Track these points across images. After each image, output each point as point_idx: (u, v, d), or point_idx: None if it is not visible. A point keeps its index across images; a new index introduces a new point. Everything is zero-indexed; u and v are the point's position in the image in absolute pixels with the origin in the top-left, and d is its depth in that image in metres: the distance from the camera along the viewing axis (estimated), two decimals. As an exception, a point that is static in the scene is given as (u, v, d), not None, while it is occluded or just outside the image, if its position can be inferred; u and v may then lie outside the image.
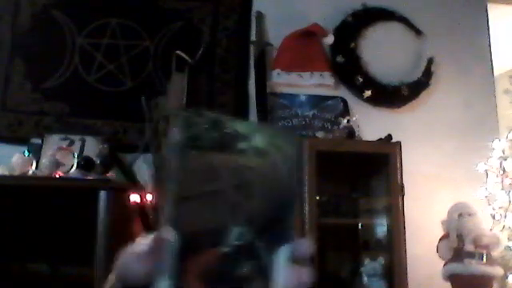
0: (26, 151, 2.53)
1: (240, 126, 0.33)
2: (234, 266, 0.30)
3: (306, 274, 0.31)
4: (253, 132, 0.33)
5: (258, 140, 0.32)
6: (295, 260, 0.30)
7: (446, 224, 2.67)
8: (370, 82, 3.03)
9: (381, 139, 2.74)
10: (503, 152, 2.81)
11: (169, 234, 0.31)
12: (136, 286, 0.32)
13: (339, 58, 3.05)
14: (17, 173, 2.41)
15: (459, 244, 2.59)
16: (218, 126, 0.32)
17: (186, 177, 0.31)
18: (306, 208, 2.47)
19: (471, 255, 2.54)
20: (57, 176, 2.39)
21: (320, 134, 2.88)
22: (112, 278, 0.39)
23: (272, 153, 0.32)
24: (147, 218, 2.15)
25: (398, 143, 2.67)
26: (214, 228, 0.30)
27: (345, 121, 2.84)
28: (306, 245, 0.32)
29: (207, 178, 0.31)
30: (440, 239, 2.67)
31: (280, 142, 0.33)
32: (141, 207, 2.20)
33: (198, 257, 0.30)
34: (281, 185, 0.31)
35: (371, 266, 2.68)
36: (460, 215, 2.61)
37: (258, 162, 0.32)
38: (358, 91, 3.03)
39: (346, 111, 2.98)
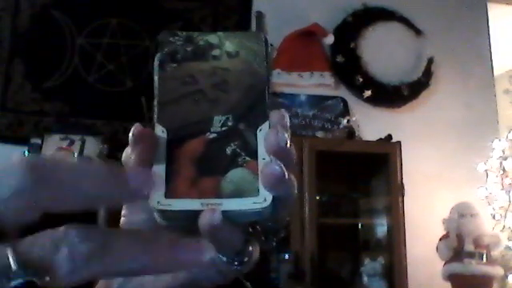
0: (26, 151, 2.52)
1: (211, 37, 0.39)
2: (221, 147, 0.35)
3: (283, 138, 0.34)
4: (223, 40, 0.39)
5: (229, 45, 0.38)
6: (274, 127, 0.35)
7: (447, 223, 2.67)
8: (370, 81, 3.03)
9: (381, 139, 2.74)
10: (503, 152, 2.81)
11: (157, 129, 0.37)
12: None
13: (339, 58, 3.05)
14: (17, 173, 2.40)
15: (459, 244, 2.59)
16: (192, 41, 0.39)
17: (167, 84, 0.37)
18: (306, 208, 2.47)
19: (471, 255, 2.54)
20: (57, 176, 2.39)
21: (320, 134, 2.87)
22: None
23: (243, 53, 0.38)
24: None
25: (398, 143, 2.67)
26: (199, 120, 0.36)
27: (345, 121, 2.84)
28: (278, 114, 0.36)
29: (186, 82, 0.37)
30: (440, 239, 2.67)
31: (249, 43, 0.39)
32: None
33: (187, 145, 0.36)
34: (254, 76, 0.37)
35: (371, 265, 2.68)
36: (461, 215, 2.61)
37: (230, 63, 0.38)
38: (357, 91, 3.03)
39: (345, 111, 2.98)
